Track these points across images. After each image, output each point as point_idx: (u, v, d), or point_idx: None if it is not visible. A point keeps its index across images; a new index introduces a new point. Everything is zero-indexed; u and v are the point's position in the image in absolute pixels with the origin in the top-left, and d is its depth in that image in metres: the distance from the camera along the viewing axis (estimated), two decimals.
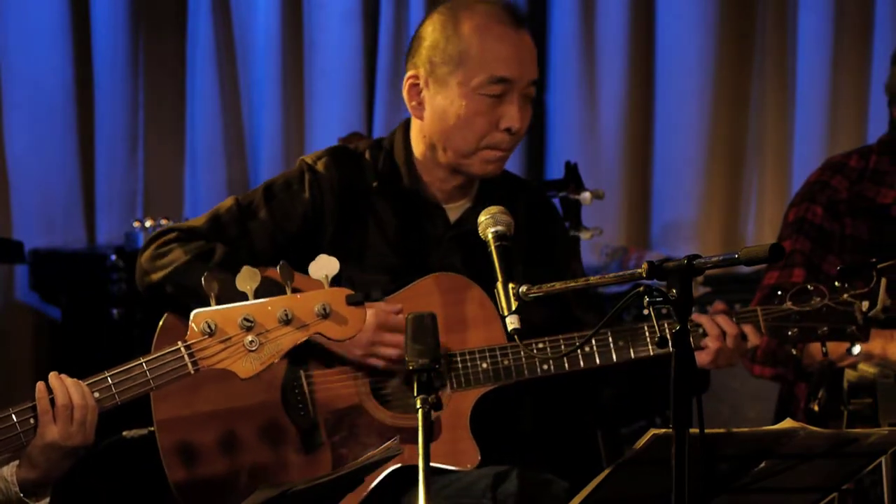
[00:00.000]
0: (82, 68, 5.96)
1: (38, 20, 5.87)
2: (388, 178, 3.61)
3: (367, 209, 3.59)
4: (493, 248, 3.14)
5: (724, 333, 3.48)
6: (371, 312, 3.38)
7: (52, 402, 2.96)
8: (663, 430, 2.77)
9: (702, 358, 3.46)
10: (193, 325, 2.97)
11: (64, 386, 2.96)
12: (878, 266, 3.56)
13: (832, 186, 4.30)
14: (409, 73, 3.58)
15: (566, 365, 3.49)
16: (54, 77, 5.92)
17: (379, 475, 3.40)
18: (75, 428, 2.96)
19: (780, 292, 3.57)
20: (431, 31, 3.55)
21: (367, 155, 3.63)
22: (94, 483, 5.06)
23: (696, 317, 3.48)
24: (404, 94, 3.59)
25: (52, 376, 2.98)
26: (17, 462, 3.04)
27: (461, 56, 3.51)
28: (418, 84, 3.56)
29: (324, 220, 3.56)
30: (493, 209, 3.22)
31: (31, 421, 2.97)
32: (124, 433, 3.66)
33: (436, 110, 3.55)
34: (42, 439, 2.96)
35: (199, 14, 6.11)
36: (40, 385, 2.97)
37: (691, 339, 3.41)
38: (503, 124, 3.52)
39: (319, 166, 3.59)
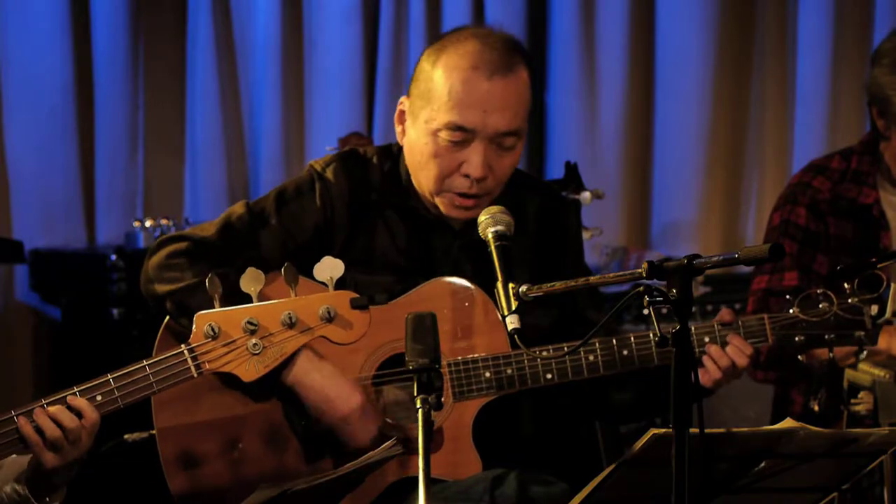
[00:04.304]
0: (82, 68, 5.97)
1: (38, 20, 5.88)
2: (391, 190, 3.55)
3: (378, 216, 3.53)
4: (492, 247, 3.13)
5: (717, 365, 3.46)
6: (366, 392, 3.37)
7: (42, 431, 2.92)
8: (663, 430, 2.77)
9: (702, 380, 3.46)
10: (196, 327, 2.96)
11: (50, 422, 2.92)
12: (879, 265, 3.55)
13: (814, 187, 4.29)
14: (402, 98, 3.51)
15: (570, 374, 3.46)
16: (54, 77, 5.92)
17: (380, 489, 3.39)
18: (69, 448, 2.94)
19: (788, 296, 3.56)
20: (421, 61, 3.47)
21: (374, 160, 3.57)
22: (96, 485, 5.05)
23: (708, 345, 3.47)
24: (395, 117, 3.53)
25: (38, 413, 2.92)
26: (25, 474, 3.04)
27: (429, 94, 3.41)
28: (405, 112, 3.50)
29: (335, 231, 3.50)
30: (492, 209, 3.21)
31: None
32: (125, 436, 3.65)
33: (409, 142, 3.49)
34: (42, 467, 2.96)
35: (199, 14, 6.11)
36: (22, 421, 2.91)
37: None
38: (462, 169, 3.42)
39: (329, 174, 3.52)
